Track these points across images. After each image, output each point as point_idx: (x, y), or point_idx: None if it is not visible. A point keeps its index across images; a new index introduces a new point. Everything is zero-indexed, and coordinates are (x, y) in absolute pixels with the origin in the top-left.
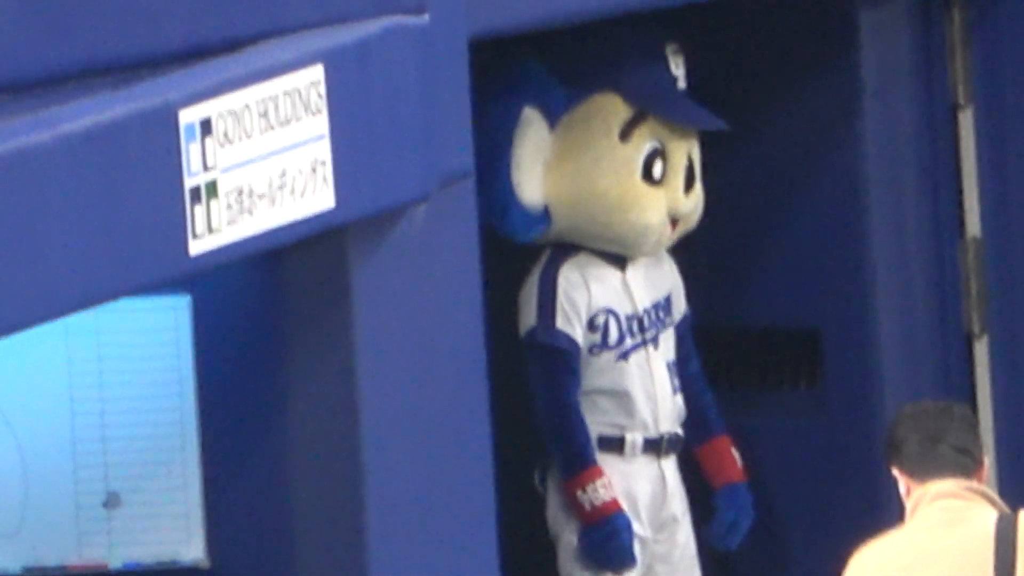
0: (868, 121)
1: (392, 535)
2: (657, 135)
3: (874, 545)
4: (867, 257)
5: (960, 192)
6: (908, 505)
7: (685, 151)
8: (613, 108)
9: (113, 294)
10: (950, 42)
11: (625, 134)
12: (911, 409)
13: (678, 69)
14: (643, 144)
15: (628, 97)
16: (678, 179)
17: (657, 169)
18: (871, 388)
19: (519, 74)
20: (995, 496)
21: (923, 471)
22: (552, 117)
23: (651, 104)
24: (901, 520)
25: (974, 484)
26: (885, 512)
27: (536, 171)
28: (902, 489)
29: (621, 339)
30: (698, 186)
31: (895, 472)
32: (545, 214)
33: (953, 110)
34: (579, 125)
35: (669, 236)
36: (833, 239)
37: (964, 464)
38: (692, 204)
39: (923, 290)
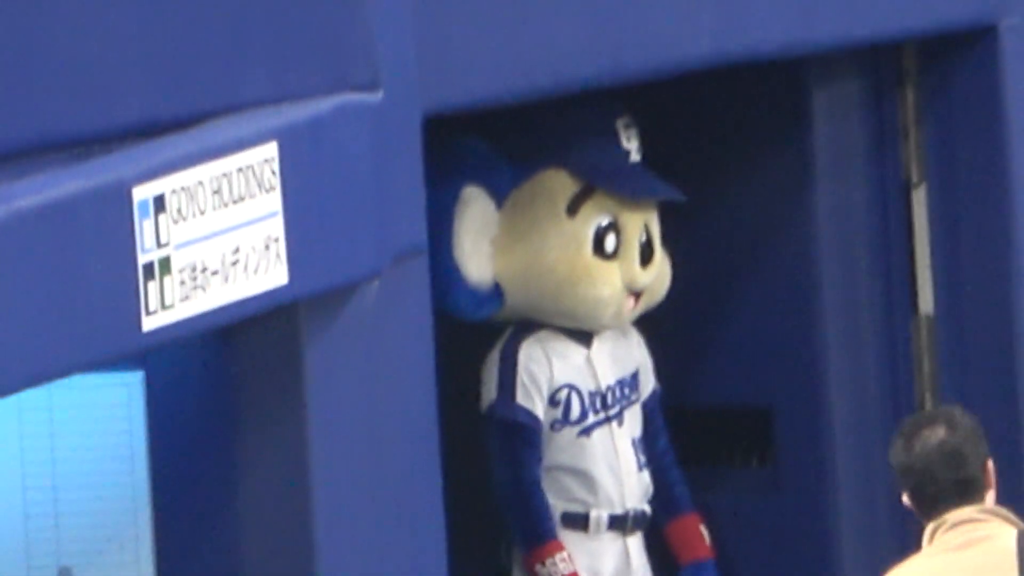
0: (821, 199)
1: None
2: (608, 209)
3: (897, 570)
4: (819, 335)
5: (913, 270)
6: (926, 531)
7: (640, 223)
8: (560, 184)
9: (66, 370)
10: (902, 120)
11: (572, 209)
12: (903, 440)
13: (630, 142)
14: (592, 218)
15: (575, 172)
16: (632, 252)
17: (609, 243)
18: (823, 466)
19: (459, 153)
20: (1012, 515)
21: (934, 511)
22: (498, 194)
23: (598, 178)
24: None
25: (988, 506)
26: None
27: (482, 249)
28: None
29: (583, 415)
30: (659, 258)
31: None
32: (496, 292)
33: (906, 188)
34: (527, 202)
35: (630, 309)
36: (785, 317)
37: (971, 491)
38: (651, 276)
39: (875, 367)
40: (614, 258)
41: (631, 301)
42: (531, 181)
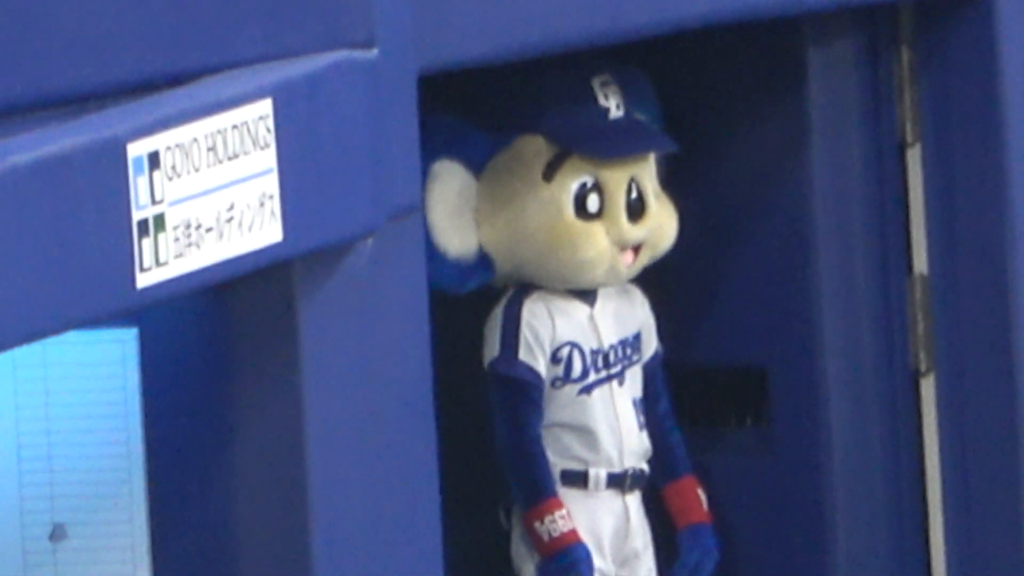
0: (815, 158)
1: (339, 571)
2: (587, 170)
3: None
4: (813, 295)
5: (907, 230)
6: None
7: (624, 180)
8: (536, 149)
9: (61, 327)
10: (898, 80)
11: (548, 174)
12: None
13: (608, 100)
14: (569, 181)
15: (549, 136)
16: (617, 209)
17: (592, 203)
18: (818, 425)
19: (429, 130)
20: None
21: None
22: (476, 165)
23: (570, 142)
24: (848, 557)
25: None
26: (833, 549)
27: (463, 222)
28: None
29: (584, 373)
30: (654, 210)
31: None
32: (485, 262)
33: (901, 148)
34: (504, 170)
35: (628, 264)
36: (780, 276)
37: None
38: (643, 230)
39: (870, 327)
40: (599, 217)
41: (628, 256)
42: (508, 149)
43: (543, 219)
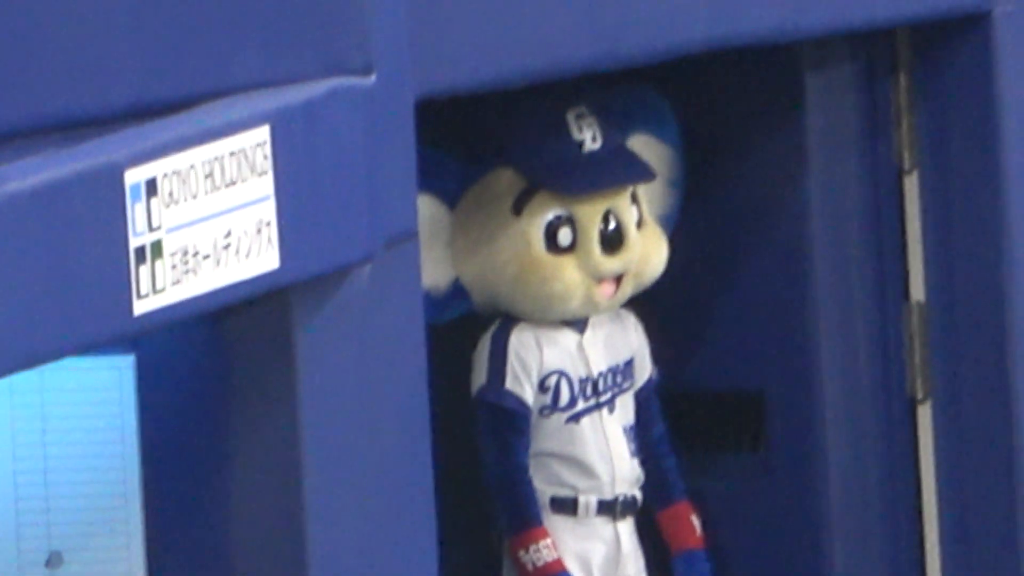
0: (813, 184)
1: None
2: (558, 203)
3: None
4: (811, 320)
5: (905, 256)
6: None
7: (598, 213)
8: (507, 182)
9: (58, 353)
10: (896, 106)
11: (518, 208)
12: None
13: (583, 132)
14: (539, 215)
15: (519, 170)
16: (590, 242)
17: (563, 236)
18: (814, 452)
19: None
20: None
21: None
22: (449, 197)
23: (539, 176)
24: None
25: None
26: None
27: (435, 255)
28: None
29: (572, 402)
30: (633, 240)
31: None
32: (460, 293)
33: (899, 174)
34: (477, 203)
35: (608, 296)
36: (777, 302)
37: None
38: (621, 262)
39: (867, 354)
40: (571, 251)
41: (607, 288)
42: (481, 181)
43: (513, 253)
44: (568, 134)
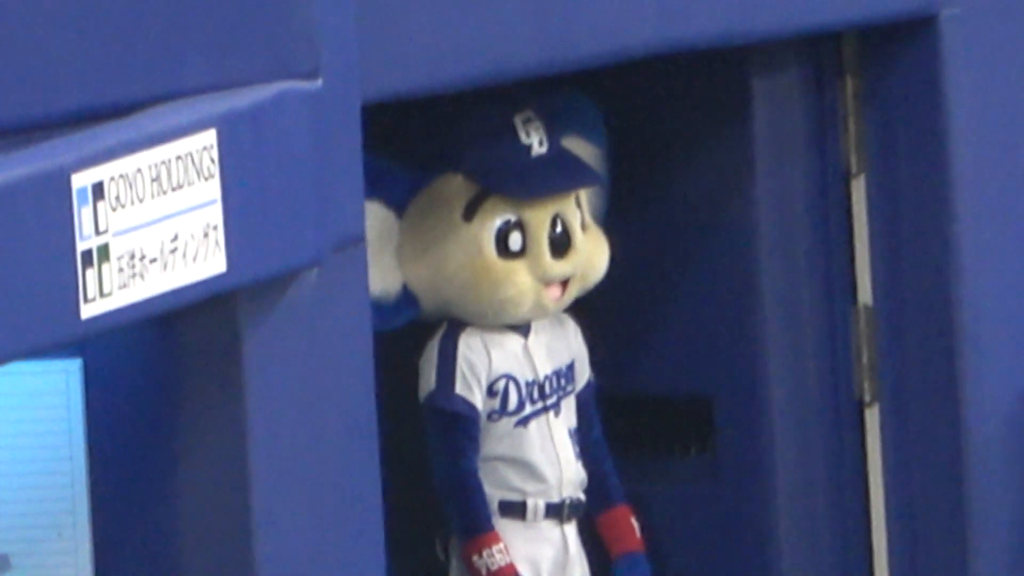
0: (760, 187)
1: None
2: (508, 208)
3: None
4: (759, 323)
5: (852, 260)
6: None
7: (547, 217)
8: (455, 188)
9: (4, 357)
10: (843, 110)
11: (468, 214)
12: None
13: (531, 136)
14: (489, 221)
15: (469, 175)
16: (540, 246)
17: (514, 241)
18: (762, 455)
19: None
20: None
21: None
22: (398, 204)
23: (491, 181)
24: None
25: None
26: None
27: (384, 262)
28: None
29: (520, 406)
30: (579, 244)
31: None
32: (409, 300)
33: (846, 178)
34: (425, 209)
35: (556, 299)
36: (724, 305)
37: None
38: (569, 266)
39: (815, 357)
40: (521, 255)
41: (554, 290)
42: (429, 187)
43: (464, 259)
44: (516, 139)
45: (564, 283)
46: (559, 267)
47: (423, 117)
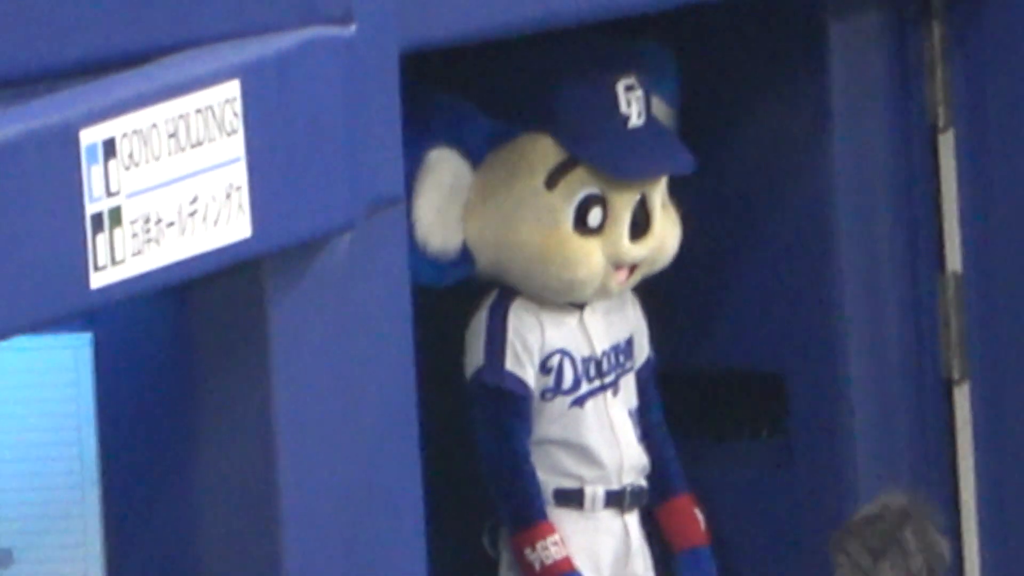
0: (838, 146)
1: None
2: (595, 180)
3: None
4: (836, 294)
5: (939, 223)
6: None
7: (633, 197)
8: (542, 151)
9: (7, 332)
10: (929, 58)
11: (551, 182)
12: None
13: (631, 106)
14: (573, 192)
15: (559, 140)
16: (620, 227)
17: (593, 217)
18: (840, 438)
19: (429, 111)
20: None
21: None
22: (475, 155)
23: (582, 151)
24: None
25: None
26: None
27: (450, 218)
28: None
29: (576, 384)
30: (658, 227)
31: None
32: (466, 256)
33: (932, 132)
34: (505, 167)
35: (620, 282)
36: (799, 274)
37: None
38: (645, 249)
39: (897, 331)
40: (598, 233)
41: (621, 274)
42: (512, 143)
43: (537, 228)
44: (616, 107)
45: (631, 268)
46: (635, 251)
47: (514, 65)
